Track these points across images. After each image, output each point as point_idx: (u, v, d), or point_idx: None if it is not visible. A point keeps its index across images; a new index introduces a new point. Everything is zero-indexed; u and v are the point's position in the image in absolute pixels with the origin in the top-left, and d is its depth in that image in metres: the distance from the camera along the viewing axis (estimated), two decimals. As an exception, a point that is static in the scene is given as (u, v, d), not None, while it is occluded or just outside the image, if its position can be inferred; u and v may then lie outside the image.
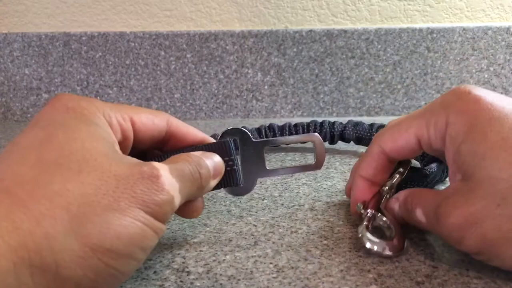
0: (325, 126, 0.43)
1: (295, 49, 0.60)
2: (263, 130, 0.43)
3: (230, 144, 0.25)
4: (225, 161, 0.24)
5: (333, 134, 0.43)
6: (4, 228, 0.15)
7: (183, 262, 0.23)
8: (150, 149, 0.25)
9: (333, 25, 0.61)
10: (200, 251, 0.25)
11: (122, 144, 0.22)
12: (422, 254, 0.24)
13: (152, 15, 0.60)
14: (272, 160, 0.42)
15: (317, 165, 0.27)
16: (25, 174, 0.17)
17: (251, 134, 0.41)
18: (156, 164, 0.20)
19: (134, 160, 0.20)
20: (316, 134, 0.27)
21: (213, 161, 0.23)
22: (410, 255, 0.23)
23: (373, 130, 0.41)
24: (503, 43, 0.60)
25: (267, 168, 0.26)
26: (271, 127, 0.43)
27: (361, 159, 0.27)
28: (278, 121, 0.61)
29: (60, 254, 0.16)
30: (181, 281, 0.22)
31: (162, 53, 0.60)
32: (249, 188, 0.26)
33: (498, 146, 0.20)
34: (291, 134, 0.41)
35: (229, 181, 0.25)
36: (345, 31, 0.59)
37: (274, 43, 0.60)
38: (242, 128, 0.26)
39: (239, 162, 0.25)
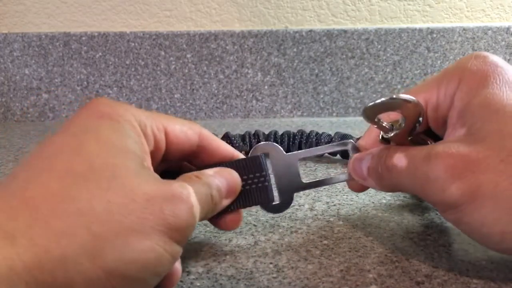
0: (312, 137, 0.40)
1: (295, 49, 0.60)
2: (247, 137, 0.41)
3: (262, 159, 0.24)
4: (256, 177, 0.23)
5: (319, 145, 0.40)
6: (22, 245, 0.14)
7: (183, 262, 0.23)
8: (179, 161, 0.24)
9: (333, 25, 0.61)
10: (200, 251, 0.25)
11: (152, 154, 0.21)
12: (422, 254, 0.23)
13: (152, 15, 0.60)
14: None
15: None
16: (51, 186, 0.16)
17: (235, 140, 0.40)
18: (186, 184, 0.19)
19: (163, 180, 0.19)
20: (351, 140, 0.26)
21: (227, 179, 0.22)
22: (410, 255, 0.23)
23: None
24: (503, 43, 0.60)
25: (303, 181, 0.25)
26: (256, 134, 0.42)
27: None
28: (278, 121, 0.61)
29: (72, 275, 0.15)
30: (181, 281, 0.22)
31: (162, 53, 0.60)
32: (287, 204, 0.25)
33: None
34: (275, 142, 0.40)
35: (261, 198, 0.24)
36: (345, 31, 0.59)
37: (274, 43, 0.60)
38: (274, 143, 0.25)
39: (273, 178, 0.24)
